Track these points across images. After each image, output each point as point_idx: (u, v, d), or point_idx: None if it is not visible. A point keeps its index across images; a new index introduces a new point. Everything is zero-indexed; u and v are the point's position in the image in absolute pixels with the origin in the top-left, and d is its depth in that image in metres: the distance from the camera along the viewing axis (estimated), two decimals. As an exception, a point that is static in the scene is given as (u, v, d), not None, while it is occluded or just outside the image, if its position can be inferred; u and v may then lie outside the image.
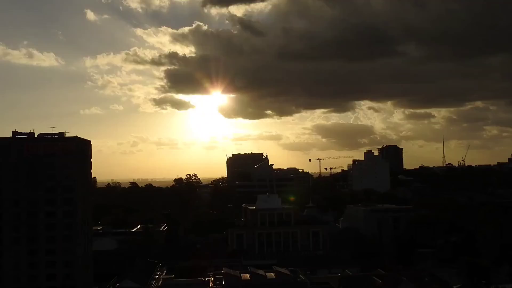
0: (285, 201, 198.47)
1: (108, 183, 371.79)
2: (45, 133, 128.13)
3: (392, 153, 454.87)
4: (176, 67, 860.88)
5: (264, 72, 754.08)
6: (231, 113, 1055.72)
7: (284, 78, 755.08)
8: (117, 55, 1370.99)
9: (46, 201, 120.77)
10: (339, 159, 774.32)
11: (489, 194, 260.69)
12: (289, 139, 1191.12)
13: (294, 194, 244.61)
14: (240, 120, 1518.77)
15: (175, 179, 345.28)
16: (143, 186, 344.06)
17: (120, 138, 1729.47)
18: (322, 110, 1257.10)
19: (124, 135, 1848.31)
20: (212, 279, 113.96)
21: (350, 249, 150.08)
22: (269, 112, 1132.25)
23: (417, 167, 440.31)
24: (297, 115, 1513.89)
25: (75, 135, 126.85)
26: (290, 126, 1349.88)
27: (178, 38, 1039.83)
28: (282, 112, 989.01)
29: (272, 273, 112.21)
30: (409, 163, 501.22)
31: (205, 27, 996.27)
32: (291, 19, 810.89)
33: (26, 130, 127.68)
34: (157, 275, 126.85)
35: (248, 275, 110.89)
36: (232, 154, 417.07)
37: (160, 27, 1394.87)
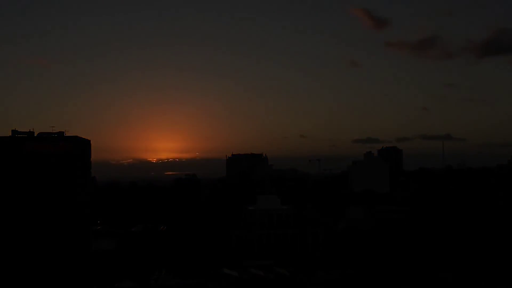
0: (284, 201, 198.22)
1: (108, 183, 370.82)
2: (45, 132, 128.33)
3: (392, 154, 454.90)
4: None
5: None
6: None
7: None
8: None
9: (45, 200, 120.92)
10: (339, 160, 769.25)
11: (489, 196, 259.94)
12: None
13: (294, 194, 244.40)
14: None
15: (175, 179, 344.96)
16: (143, 186, 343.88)
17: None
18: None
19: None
20: (212, 279, 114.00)
21: (349, 250, 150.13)
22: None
23: (417, 168, 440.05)
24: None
25: (75, 135, 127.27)
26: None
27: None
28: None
29: (271, 274, 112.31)
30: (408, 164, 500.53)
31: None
32: None
33: (26, 129, 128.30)
34: (156, 275, 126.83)
35: (247, 275, 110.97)
36: (232, 154, 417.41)
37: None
